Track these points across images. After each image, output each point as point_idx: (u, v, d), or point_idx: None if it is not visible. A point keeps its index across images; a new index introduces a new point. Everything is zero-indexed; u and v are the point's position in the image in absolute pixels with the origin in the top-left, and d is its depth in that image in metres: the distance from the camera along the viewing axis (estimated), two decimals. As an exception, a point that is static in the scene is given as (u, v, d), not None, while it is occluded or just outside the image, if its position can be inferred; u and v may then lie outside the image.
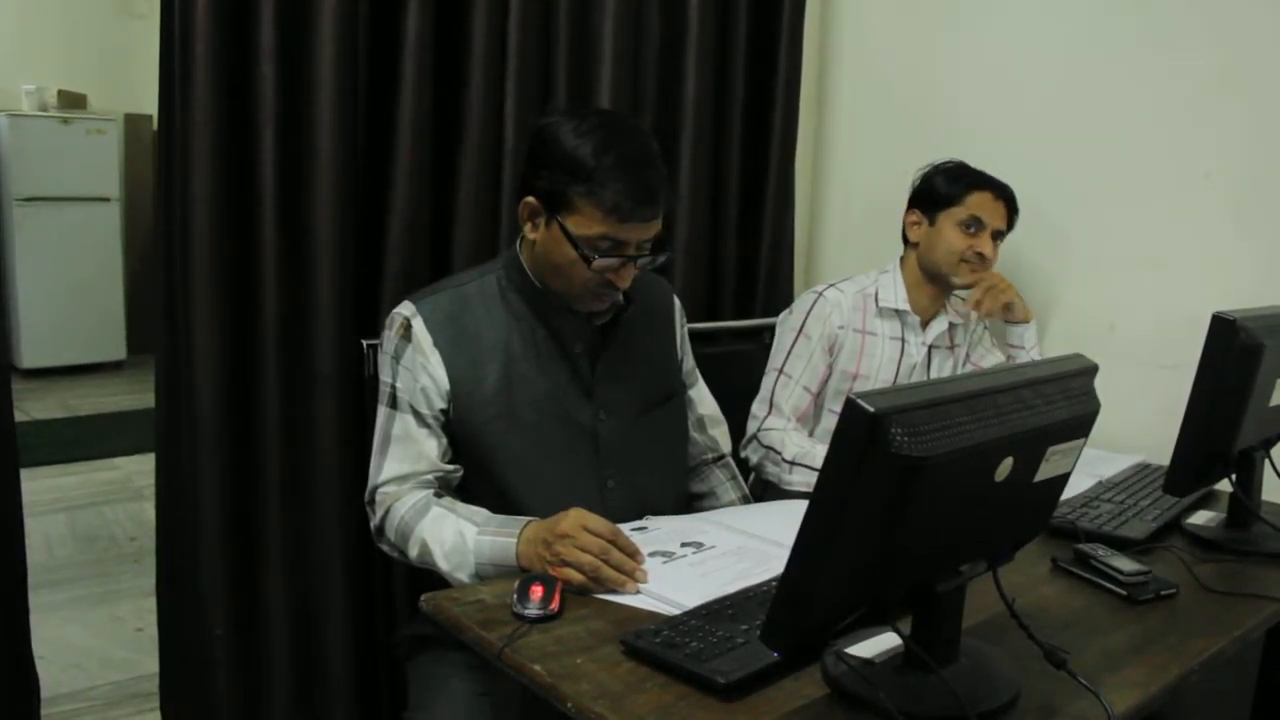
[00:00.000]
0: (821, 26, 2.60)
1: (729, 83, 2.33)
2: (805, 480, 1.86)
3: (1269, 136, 1.88)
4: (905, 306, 2.02)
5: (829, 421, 2.01)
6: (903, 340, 2.02)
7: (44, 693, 1.86)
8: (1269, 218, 1.89)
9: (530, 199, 1.43)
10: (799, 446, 1.90)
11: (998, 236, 2.00)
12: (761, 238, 2.42)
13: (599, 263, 1.38)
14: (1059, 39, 2.17)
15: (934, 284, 2.03)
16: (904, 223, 2.06)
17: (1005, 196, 2.00)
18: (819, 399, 2.01)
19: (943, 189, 2.00)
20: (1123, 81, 2.07)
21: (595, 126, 1.38)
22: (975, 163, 2.04)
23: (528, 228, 1.45)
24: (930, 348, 2.04)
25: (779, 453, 1.90)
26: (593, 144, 1.36)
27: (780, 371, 1.98)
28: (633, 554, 1.25)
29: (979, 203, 1.97)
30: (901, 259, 2.06)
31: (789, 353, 1.99)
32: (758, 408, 2.00)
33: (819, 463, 1.85)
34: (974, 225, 1.97)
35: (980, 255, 1.97)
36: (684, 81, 2.21)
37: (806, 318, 1.99)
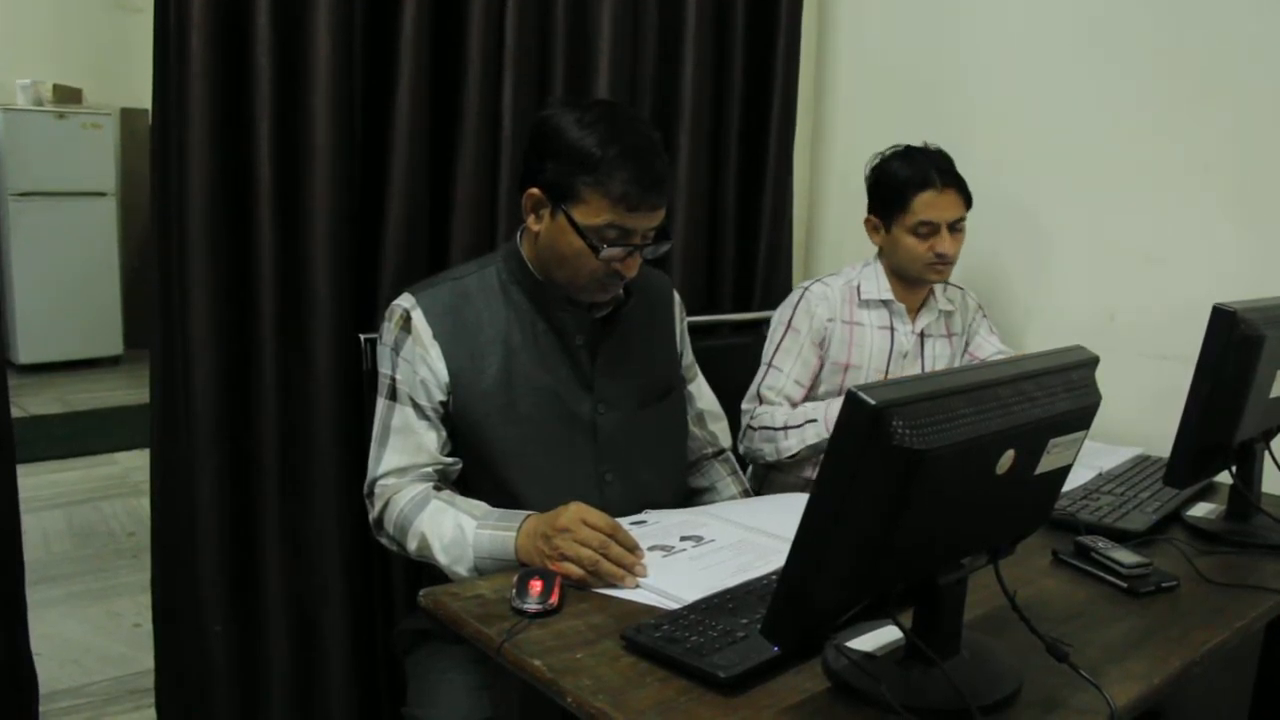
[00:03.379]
0: (819, 17, 2.59)
1: (727, 74, 2.32)
2: (800, 440, 1.88)
3: (1268, 128, 1.87)
4: (889, 296, 2.00)
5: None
6: (891, 329, 2.02)
7: (42, 689, 1.85)
8: (1267, 209, 1.88)
9: (534, 190, 1.42)
10: (788, 413, 1.92)
11: (957, 224, 1.93)
12: (760, 230, 2.41)
13: (607, 252, 1.39)
14: (1058, 31, 2.16)
15: (909, 281, 2.00)
16: (865, 226, 2.02)
17: (950, 183, 1.92)
18: (811, 392, 2.00)
19: (890, 194, 1.94)
20: (1121, 74, 2.06)
21: (599, 117, 1.38)
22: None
23: (531, 219, 1.45)
24: (922, 335, 2.04)
25: (770, 427, 1.91)
26: (598, 134, 1.36)
27: (769, 365, 1.99)
28: (632, 548, 1.25)
29: (925, 205, 1.91)
30: (877, 254, 2.04)
31: (777, 347, 1.99)
32: (747, 403, 2.00)
33: (808, 416, 1.87)
34: (926, 229, 1.91)
35: (940, 255, 1.92)
36: (682, 74, 2.21)
37: (794, 312, 1.99)
